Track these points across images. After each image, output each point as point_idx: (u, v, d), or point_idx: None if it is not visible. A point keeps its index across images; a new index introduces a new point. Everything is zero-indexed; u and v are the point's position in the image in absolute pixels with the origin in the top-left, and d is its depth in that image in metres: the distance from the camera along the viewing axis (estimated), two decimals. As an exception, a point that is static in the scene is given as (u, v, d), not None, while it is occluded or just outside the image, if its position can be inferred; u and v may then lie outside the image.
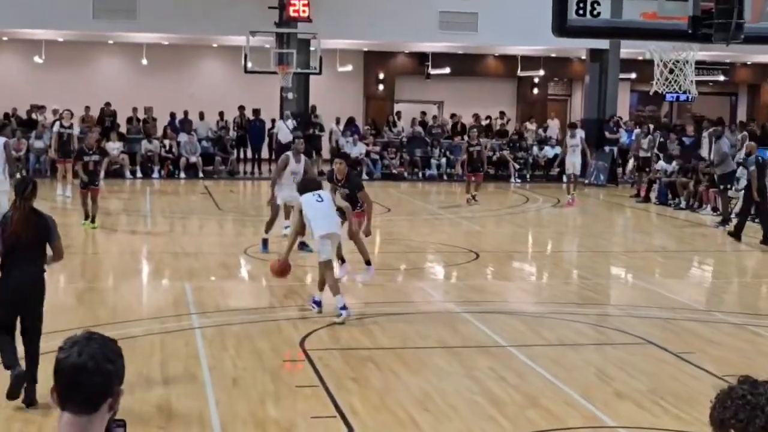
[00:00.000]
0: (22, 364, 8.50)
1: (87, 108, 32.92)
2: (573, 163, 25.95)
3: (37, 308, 8.80)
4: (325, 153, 32.77)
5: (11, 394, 8.39)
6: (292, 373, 9.89)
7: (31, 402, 8.47)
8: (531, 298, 14.13)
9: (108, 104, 32.76)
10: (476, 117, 35.84)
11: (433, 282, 15.09)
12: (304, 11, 28.82)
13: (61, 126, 23.87)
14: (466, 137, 26.64)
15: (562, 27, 7.39)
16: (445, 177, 32.73)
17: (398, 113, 36.36)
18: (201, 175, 30.72)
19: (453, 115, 36.51)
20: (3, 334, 8.63)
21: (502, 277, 15.71)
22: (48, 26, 31.33)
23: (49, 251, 8.87)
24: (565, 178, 27.56)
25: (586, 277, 15.52)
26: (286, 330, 11.30)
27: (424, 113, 37.27)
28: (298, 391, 9.02)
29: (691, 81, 12.12)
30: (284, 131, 29.41)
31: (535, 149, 33.79)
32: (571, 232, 22.09)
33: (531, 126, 35.88)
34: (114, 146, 30.00)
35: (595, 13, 7.48)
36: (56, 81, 34.99)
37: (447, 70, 37.77)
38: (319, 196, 12.18)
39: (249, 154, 33.26)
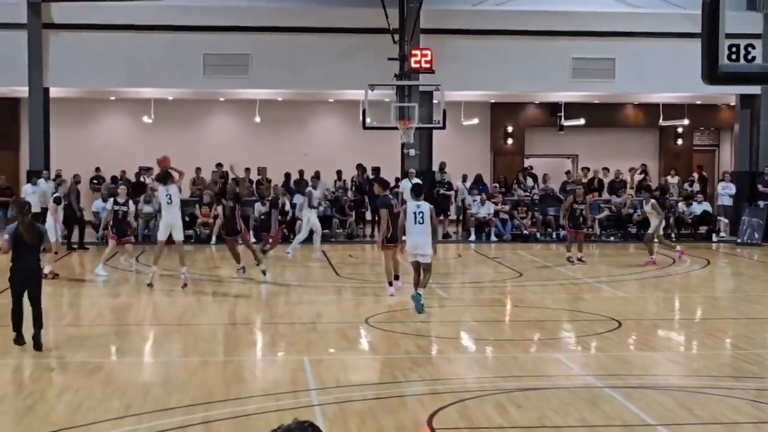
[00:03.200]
0: None
1: (198, 169, 33.65)
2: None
3: (36, 283, 14.48)
4: (453, 212, 32.88)
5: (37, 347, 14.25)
6: (420, 454, 9.80)
7: (38, 346, 14.21)
8: (681, 370, 13.79)
9: (219, 165, 33.40)
10: (586, 171, 35.60)
11: (571, 353, 14.86)
12: (426, 62, 29.05)
13: (116, 203, 23.65)
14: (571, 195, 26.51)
15: (713, 74, 7.25)
16: (581, 237, 32.38)
17: (527, 169, 36.24)
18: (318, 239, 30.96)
19: (585, 169, 36.22)
20: (17, 302, 14.42)
21: (648, 348, 15.38)
22: (157, 85, 32.23)
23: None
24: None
25: (741, 347, 15.10)
26: (411, 407, 11.24)
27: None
28: (426, 474, 8.94)
29: None
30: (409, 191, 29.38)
31: (681, 205, 33.23)
32: (723, 297, 21.59)
33: (673, 180, 35.38)
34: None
35: (749, 57, 7.35)
36: (166, 141, 35.85)
37: (581, 121, 37.55)
38: None
39: (368, 216, 33.44)
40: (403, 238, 18.36)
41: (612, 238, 32.72)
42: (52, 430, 10.09)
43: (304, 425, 3.25)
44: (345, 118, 36.65)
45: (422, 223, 17.55)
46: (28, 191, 28.25)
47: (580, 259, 25.40)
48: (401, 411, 11.06)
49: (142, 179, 33.78)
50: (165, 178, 21.20)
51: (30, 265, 14.39)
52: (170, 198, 20.96)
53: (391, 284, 19.99)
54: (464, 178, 33.79)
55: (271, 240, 27.18)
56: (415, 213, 17.61)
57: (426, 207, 17.87)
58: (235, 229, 22.44)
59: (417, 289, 17.53)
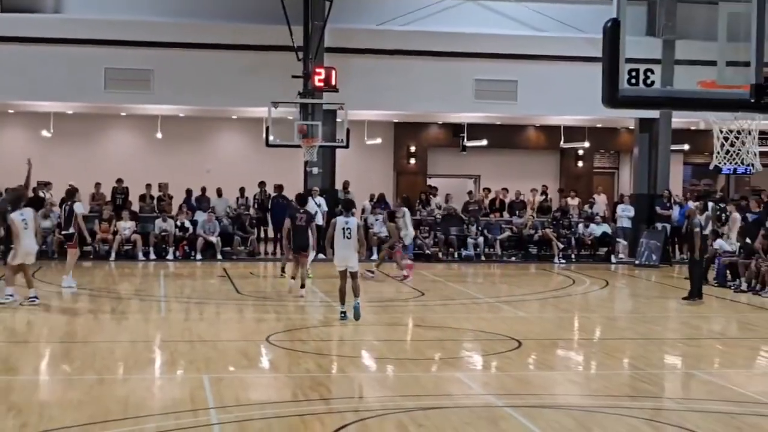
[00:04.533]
0: None
1: (98, 185, 33.24)
2: None
3: None
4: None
5: None
6: (320, 473, 9.78)
7: None
8: (580, 390, 13.96)
9: (120, 180, 33.05)
10: (487, 191, 36.12)
11: (471, 372, 14.94)
12: (330, 80, 29.07)
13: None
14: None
15: (613, 98, 7.37)
16: (482, 257, 32.66)
17: (432, 188, 36.46)
18: (219, 256, 30.81)
19: (486, 190, 36.57)
20: None
21: (548, 368, 15.55)
22: (57, 98, 31.79)
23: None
24: None
25: (639, 367, 15.33)
26: (311, 426, 11.20)
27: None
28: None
29: (755, 153, 12.09)
30: (312, 209, 29.19)
31: (581, 227, 33.70)
32: (621, 318, 21.93)
33: (573, 201, 35.88)
34: (126, 225, 30.22)
35: (648, 82, 7.48)
36: (65, 156, 35.39)
37: (484, 142, 37.93)
38: None
39: (270, 233, 33.34)
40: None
41: (513, 258, 33.04)
42: (-58, 449, 9.86)
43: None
44: (248, 135, 36.54)
45: (350, 237, 18.52)
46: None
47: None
48: (301, 430, 11.02)
49: (41, 194, 33.22)
50: (16, 202, 20.79)
51: None
52: (26, 223, 20.50)
53: (302, 287, 22.18)
54: (371, 198, 33.86)
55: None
56: (343, 228, 18.54)
57: (354, 222, 18.81)
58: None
59: (354, 294, 18.68)
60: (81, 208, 24.22)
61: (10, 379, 13.90)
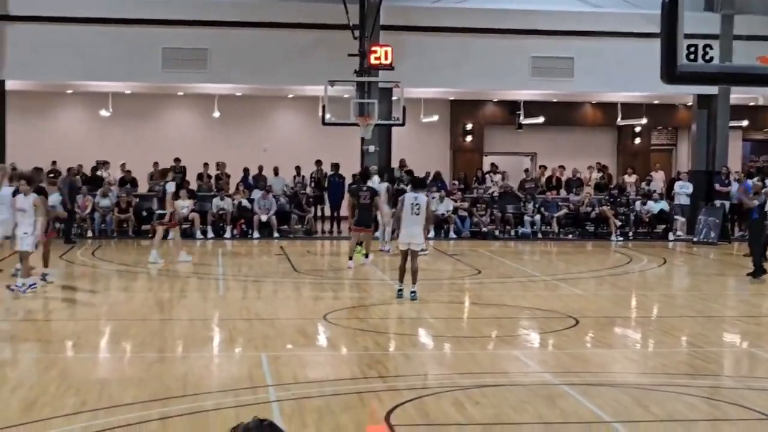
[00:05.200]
0: None
1: (155, 164, 33.47)
2: None
3: None
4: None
5: None
6: (377, 451, 9.81)
7: None
8: (637, 368, 13.87)
9: (177, 160, 33.26)
10: (543, 168, 35.72)
11: (528, 350, 14.90)
12: (386, 58, 29.02)
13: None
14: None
15: (671, 74, 7.28)
16: (539, 235, 32.52)
17: (493, 166, 36.36)
18: (276, 234, 30.93)
19: (542, 167, 36.40)
20: None
21: (605, 345, 15.47)
22: (115, 78, 32.01)
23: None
24: None
25: (697, 345, 15.22)
26: (369, 403, 11.23)
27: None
28: (383, 471, 8.94)
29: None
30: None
31: (638, 204, 33.43)
32: (679, 295, 21.74)
33: (630, 178, 35.63)
34: (184, 204, 30.38)
35: (706, 57, 7.39)
36: (123, 135, 35.68)
37: (540, 120, 37.70)
38: None
39: (327, 212, 33.41)
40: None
41: (570, 236, 32.86)
42: (5, 426, 9.99)
43: (263, 424, 3.23)
44: (304, 114, 36.59)
45: (418, 214, 18.33)
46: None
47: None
48: (359, 407, 11.05)
49: (98, 173, 33.57)
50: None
51: None
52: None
53: (350, 259, 22.70)
54: (426, 176, 33.79)
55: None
56: (412, 204, 18.37)
57: (423, 199, 18.72)
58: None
59: (412, 279, 18.52)
60: (172, 187, 24.38)
61: (70, 356, 14.07)
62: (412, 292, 18.41)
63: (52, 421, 10.20)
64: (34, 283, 18.96)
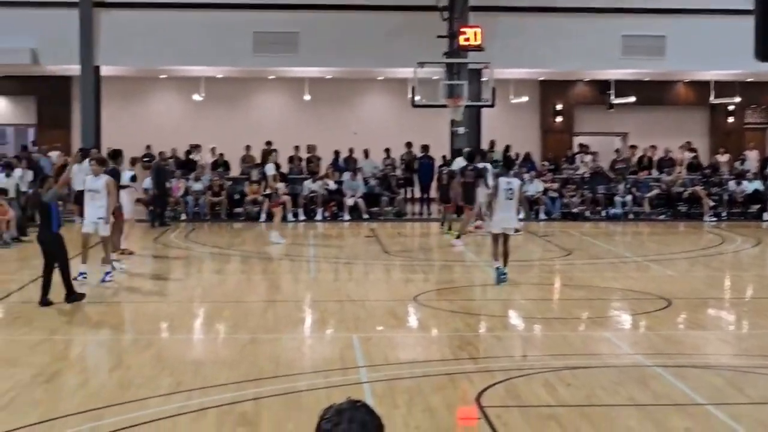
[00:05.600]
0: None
1: (248, 147, 33.78)
2: None
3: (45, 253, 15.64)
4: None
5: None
6: (468, 432, 9.81)
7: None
8: (731, 350, 13.69)
9: (269, 143, 33.49)
10: (634, 148, 35.20)
11: (620, 332, 14.78)
12: (475, 39, 28.90)
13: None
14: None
15: (766, 51, 7.15)
16: (630, 216, 32.18)
17: (583, 146, 36.05)
18: (366, 216, 31.03)
19: (633, 147, 35.97)
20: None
21: (698, 327, 15.28)
22: (207, 63, 32.33)
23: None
24: None
25: (793, 327, 14.96)
26: (460, 385, 11.24)
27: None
28: (474, 452, 8.94)
29: None
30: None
31: (732, 184, 32.90)
32: (774, 276, 21.40)
33: (723, 158, 35.07)
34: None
35: (802, 34, 7.24)
36: (215, 119, 36.02)
37: (631, 99, 37.24)
38: None
39: (417, 194, 33.42)
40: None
41: (662, 217, 32.45)
42: (103, 405, 10.18)
43: (357, 405, 3.24)
44: (394, 96, 36.58)
45: (512, 198, 18.11)
46: (75, 169, 28.37)
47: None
48: (450, 389, 11.06)
49: (191, 157, 33.96)
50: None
51: (42, 237, 15.85)
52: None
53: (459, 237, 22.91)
54: (516, 157, 33.62)
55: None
56: (506, 189, 18.15)
57: (516, 183, 18.53)
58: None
59: (503, 263, 18.15)
60: (272, 169, 24.61)
61: (165, 338, 14.29)
62: (504, 273, 18.21)
63: (148, 401, 10.37)
64: (84, 273, 18.20)
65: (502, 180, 18.49)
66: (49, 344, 13.54)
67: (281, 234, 24.61)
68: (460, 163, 27.93)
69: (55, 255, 15.78)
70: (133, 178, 22.60)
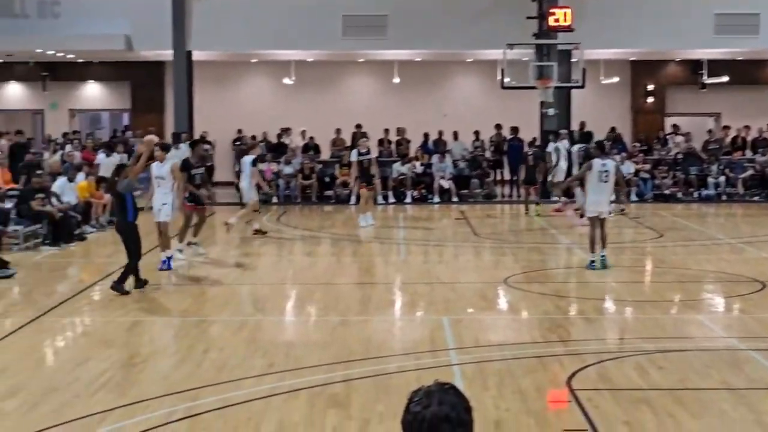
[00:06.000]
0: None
1: (338, 130, 33.94)
2: None
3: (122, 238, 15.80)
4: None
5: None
6: (559, 415, 9.79)
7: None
8: (828, 333, 13.44)
9: (359, 126, 33.60)
10: (727, 129, 34.57)
11: (713, 315, 14.62)
12: (565, 20, 28.66)
13: (359, 153, 24.44)
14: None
15: None
16: (723, 197, 31.70)
17: (675, 127, 35.60)
18: (455, 199, 31.00)
19: (726, 128, 35.39)
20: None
21: (794, 310, 15.02)
22: (298, 47, 32.50)
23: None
24: None
25: None
26: (551, 367, 11.20)
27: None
28: (565, 435, 8.92)
29: None
30: (561, 152, 28.50)
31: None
32: None
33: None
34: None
35: None
36: (305, 102, 36.22)
37: (725, 79, 36.63)
38: None
39: (507, 176, 33.29)
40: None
41: (755, 198, 31.92)
42: (199, 386, 10.35)
43: (445, 387, 3.26)
44: (483, 78, 36.44)
45: (606, 181, 17.65)
46: (169, 153, 28.72)
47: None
48: (540, 371, 11.04)
49: (282, 140, 34.21)
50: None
51: (119, 226, 16.17)
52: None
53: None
54: (608, 138, 33.27)
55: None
56: (600, 171, 17.65)
57: (611, 165, 18.07)
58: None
59: (602, 245, 17.65)
60: (355, 155, 24.64)
61: (257, 320, 14.45)
62: (602, 256, 17.74)
63: (242, 381, 10.51)
64: (170, 257, 18.05)
65: (597, 162, 17.87)
66: (145, 326, 13.79)
67: (371, 216, 24.64)
68: (560, 148, 27.95)
69: (125, 243, 15.76)
70: (254, 162, 23.03)
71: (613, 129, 34.13)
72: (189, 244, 19.56)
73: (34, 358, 12.01)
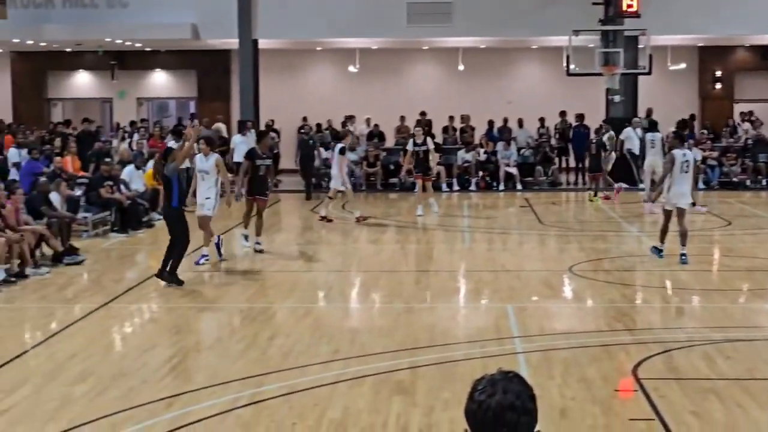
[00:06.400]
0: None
1: (402, 118, 33.91)
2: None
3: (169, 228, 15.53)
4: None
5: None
6: (625, 404, 9.72)
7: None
8: None
9: (423, 113, 33.53)
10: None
11: (782, 304, 14.43)
12: (631, 6, 28.41)
13: (415, 144, 24.20)
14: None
15: None
16: (793, 184, 31.23)
17: (745, 114, 35.12)
18: (520, 186, 30.86)
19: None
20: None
21: None
22: (362, 35, 32.52)
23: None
24: None
25: None
26: (617, 356, 11.13)
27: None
28: (631, 425, 8.86)
29: None
30: (634, 140, 28.24)
31: None
32: None
33: None
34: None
35: None
36: (370, 90, 36.23)
37: (795, 64, 36.07)
38: None
39: (572, 163, 33.07)
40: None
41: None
42: (265, 372, 10.42)
43: (509, 376, 3.25)
44: (548, 65, 36.20)
45: (687, 171, 17.19)
46: (237, 140, 28.95)
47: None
48: (606, 360, 10.97)
49: (347, 128, 34.25)
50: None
51: (164, 211, 16.11)
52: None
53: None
54: (677, 125, 32.85)
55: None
56: (682, 162, 17.12)
57: (691, 155, 17.73)
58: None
59: (681, 242, 17.07)
60: (411, 146, 24.55)
61: (322, 306, 14.52)
62: (682, 254, 17.04)
63: (307, 368, 10.57)
64: (207, 255, 17.34)
65: (677, 153, 17.24)
66: (212, 312, 13.91)
67: (435, 204, 24.53)
68: (631, 135, 27.71)
69: (171, 230, 15.46)
70: (342, 151, 23.11)
71: (692, 117, 33.64)
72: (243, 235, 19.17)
73: (102, 344, 12.16)
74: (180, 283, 15.18)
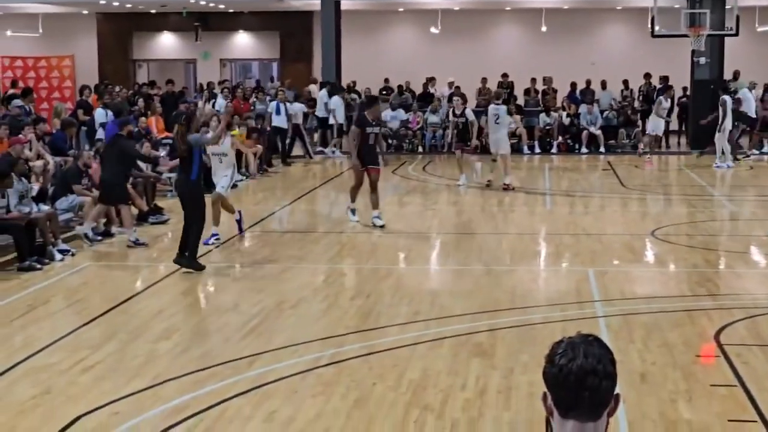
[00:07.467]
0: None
1: (484, 80, 33.74)
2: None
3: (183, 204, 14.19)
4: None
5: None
6: (707, 370, 9.65)
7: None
8: None
9: (505, 75, 33.34)
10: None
11: None
12: (720, -35, 27.91)
13: (454, 114, 23.87)
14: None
15: None
16: None
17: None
18: (603, 149, 30.58)
19: None
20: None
21: None
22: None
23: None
24: None
25: None
26: (699, 321, 11.03)
27: None
28: (713, 390, 8.79)
29: None
30: (751, 102, 27.82)
31: None
32: None
33: None
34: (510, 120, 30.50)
35: None
36: (452, 52, 36.08)
37: None
38: None
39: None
40: None
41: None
42: (346, 332, 10.51)
43: (589, 339, 3.24)
44: (633, 26, 35.74)
45: None
46: (337, 103, 29.12)
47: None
48: (687, 325, 10.88)
49: (429, 89, 34.18)
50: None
51: (178, 183, 15.13)
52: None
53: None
54: (765, 87, 32.22)
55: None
56: None
57: None
58: None
59: None
60: (451, 116, 24.31)
61: (403, 268, 14.57)
62: None
63: (387, 329, 10.64)
64: (218, 234, 16.13)
65: None
66: (293, 272, 14.02)
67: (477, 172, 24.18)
68: (727, 99, 27.26)
69: (186, 208, 14.08)
70: (509, 112, 23.15)
71: (735, 74, 32.94)
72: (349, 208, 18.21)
73: (186, 303, 12.36)
74: (201, 268, 13.78)
